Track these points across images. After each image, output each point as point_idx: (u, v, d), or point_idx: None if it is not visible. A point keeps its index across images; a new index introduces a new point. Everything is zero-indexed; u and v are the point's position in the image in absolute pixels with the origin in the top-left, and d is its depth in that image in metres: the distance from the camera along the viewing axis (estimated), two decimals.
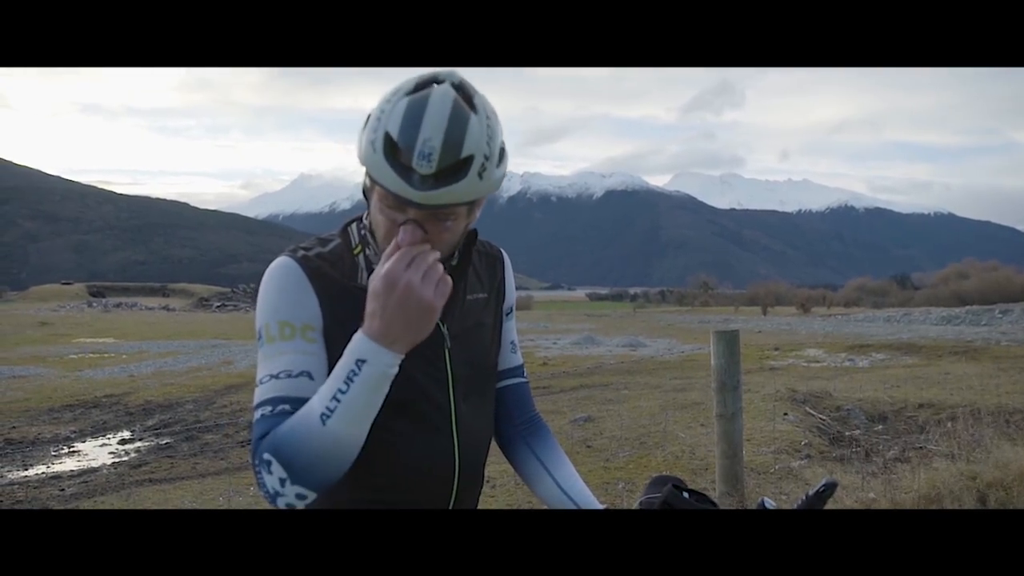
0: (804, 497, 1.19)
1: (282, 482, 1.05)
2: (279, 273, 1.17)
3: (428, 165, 1.04)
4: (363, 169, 1.13)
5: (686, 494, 1.25)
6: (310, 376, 1.13)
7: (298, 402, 1.10)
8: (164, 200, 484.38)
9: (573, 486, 1.35)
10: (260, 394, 1.13)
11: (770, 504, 1.21)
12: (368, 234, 1.24)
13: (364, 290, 1.13)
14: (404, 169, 1.05)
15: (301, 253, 1.20)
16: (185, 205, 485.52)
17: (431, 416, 1.24)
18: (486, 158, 1.07)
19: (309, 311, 1.16)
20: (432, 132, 1.03)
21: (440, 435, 1.25)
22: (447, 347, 1.26)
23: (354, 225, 1.27)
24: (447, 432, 1.26)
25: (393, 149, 1.05)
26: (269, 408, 1.10)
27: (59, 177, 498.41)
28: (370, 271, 1.21)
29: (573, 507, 1.33)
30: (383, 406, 1.15)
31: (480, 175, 1.07)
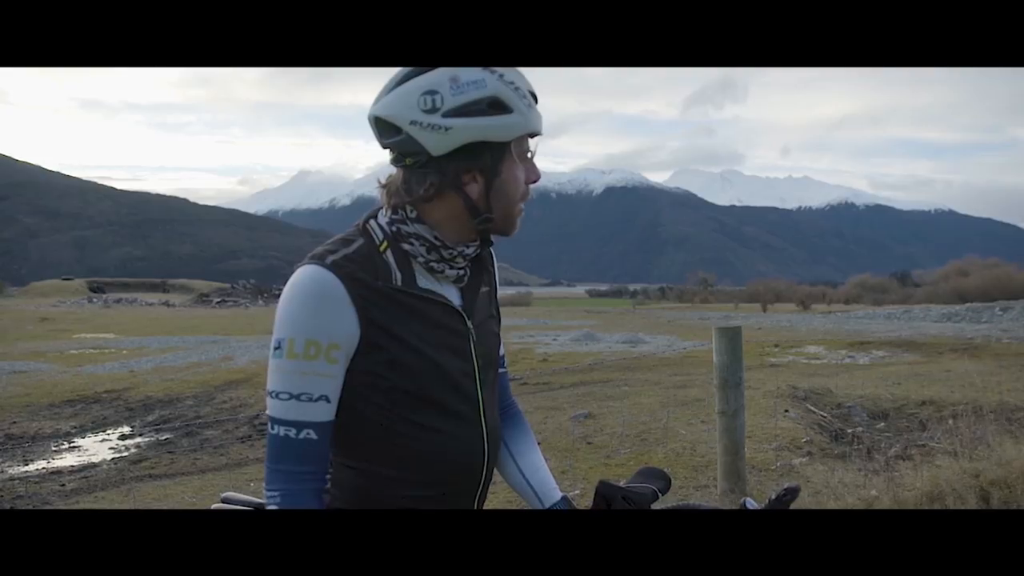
0: (768, 501, 1.23)
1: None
2: (312, 286, 1.14)
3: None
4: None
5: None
6: (327, 400, 1.16)
7: (319, 427, 1.16)
8: (164, 196, 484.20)
9: (535, 474, 1.45)
10: (280, 410, 1.15)
11: (752, 505, 1.23)
12: (403, 225, 1.23)
13: (399, 291, 1.20)
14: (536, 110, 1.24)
15: (331, 259, 1.17)
16: (185, 201, 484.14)
17: (466, 410, 1.28)
18: None
19: (341, 329, 1.15)
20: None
21: (474, 427, 1.29)
22: (472, 340, 1.30)
23: (373, 222, 1.26)
24: (478, 423, 1.30)
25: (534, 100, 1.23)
26: (293, 430, 1.15)
27: (59, 173, 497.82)
28: (401, 269, 1.21)
29: (531, 493, 1.44)
30: (426, 405, 1.20)
31: None
